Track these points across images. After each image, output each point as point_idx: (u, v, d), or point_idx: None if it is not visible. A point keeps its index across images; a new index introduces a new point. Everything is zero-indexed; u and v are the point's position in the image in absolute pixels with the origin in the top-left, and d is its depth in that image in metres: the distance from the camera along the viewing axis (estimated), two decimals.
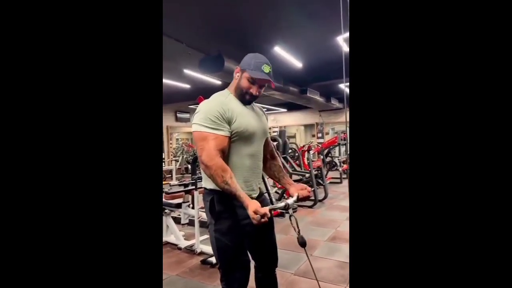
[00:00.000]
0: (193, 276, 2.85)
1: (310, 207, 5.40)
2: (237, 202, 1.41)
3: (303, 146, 7.59)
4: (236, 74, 1.52)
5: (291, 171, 6.03)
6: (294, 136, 15.23)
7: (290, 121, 14.12)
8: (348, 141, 4.97)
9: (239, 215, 1.44)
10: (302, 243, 1.37)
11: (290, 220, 1.37)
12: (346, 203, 5.73)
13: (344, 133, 8.04)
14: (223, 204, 1.43)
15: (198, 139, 1.37)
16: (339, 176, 8.13)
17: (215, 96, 1.49)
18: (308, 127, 14.70)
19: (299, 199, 1.48)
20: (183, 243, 3.56)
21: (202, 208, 3.60)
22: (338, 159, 8.65)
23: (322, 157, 7.97)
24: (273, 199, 4.81)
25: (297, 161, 7.00)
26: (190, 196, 3.98)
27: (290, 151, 7.43)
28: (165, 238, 3.75)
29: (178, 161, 10.60)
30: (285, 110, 13.40)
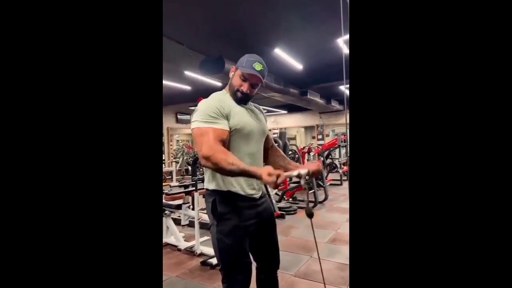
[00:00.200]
0: (193, 278, 2.85)
1: (310, 217, 5.38)
2: (240, 202, 1.41)
3: (303, 147, 7.59)
4: (230, 73, 1.54)
5: None
6: (294, 138, 15.23)
7: (290, 123, 14.12)
8: (348, 143, 4.97)
9: (242, 216, 1.44)
10: (310, 214, 1.41)
11: (305, 188, 1.41)
12: (346, 205, 5.72)
13: (344, 135, 8.04)
14: (225, 205, 1.43)
15: (197, 135, 1.36)
16: (339, 178, 8.12)
17: (213, 95, 1.50)
18: (308, 129, 14.70)
19: (311, 174, 1.44)
20: (183, 244, 3.56)
21: (202, 209, 3.61)
22: (339, 161, 8.65)
23: (322, 159, 7.96)
24: (273, 201, 4.81)
25: (298, 163, 6.99)
26: (190, 197, 3.98)
27: (290, 152, 7.42)
28: (165, 239, 3.74)
29: (178, 163, 10.61)
30: (286, 111, 13.40)
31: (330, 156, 8.84)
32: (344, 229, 4.21)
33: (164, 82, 7.32)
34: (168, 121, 11.90)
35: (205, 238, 3.72)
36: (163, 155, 11.40)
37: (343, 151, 8.88)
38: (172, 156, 11.51)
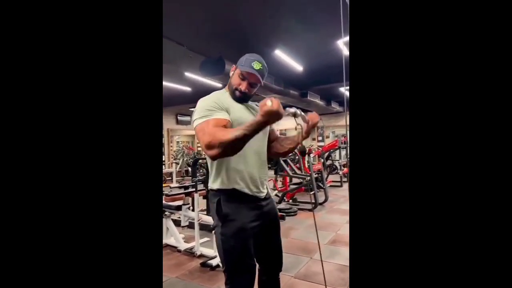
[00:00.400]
0: (192, 279, 2.85)
1: (311, 210, 5.39)
2: (245, 203, 1.41)
3: None
4: (231, 72, 1.54)
5: (291, 174, 6.03)
6: None
7: (290, 125, 14.03)
8: (348, 145, 4.97)
9: (247, 217, 1.43)
10: (302, 151, 1.41)
11: (296, 129, 1.41)
12: (346, 206, 5.72)
13: (344, 137, 8.04)
14: (230, 205, 1.42)
15: (198, 131, 1.32)
16: (339, 180, 8.12)
17: (211, 94, 1.49)
18: None
19: (310, 124, 1.46)
20: (183, 246, 3.56)
21: (202, 210, 3.61)
22: (339, 163, 8.65)
23: (322, 160, 7.96)
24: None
25: (298, 164, 6.99)
26: (190, 199, 3.98)
27: (290, 154, 7.42)
28: (165, 241, 3.74)
29: (178, 164, 10.61)
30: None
31: (330, 158, 8.84)
32: (344, 231, 4.21)
33: (164, 83, 7.33)
34: (168, 122, 11.91)
35: (205, 239, 3.72)
36: (163, 156, 11.41)
37: (343, 152, 8.89)
38: (172, 157, 11.51)
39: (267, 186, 1.60)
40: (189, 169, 9.68)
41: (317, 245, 3.58)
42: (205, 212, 3.91)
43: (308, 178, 5.68)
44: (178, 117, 12.31)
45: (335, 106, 10.83)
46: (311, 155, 6.65)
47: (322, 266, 1.56)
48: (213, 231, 1.53)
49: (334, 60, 5.83)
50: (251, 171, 1.45)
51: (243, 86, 1.46)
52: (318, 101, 9.00)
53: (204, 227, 3.60)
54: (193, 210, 3.70)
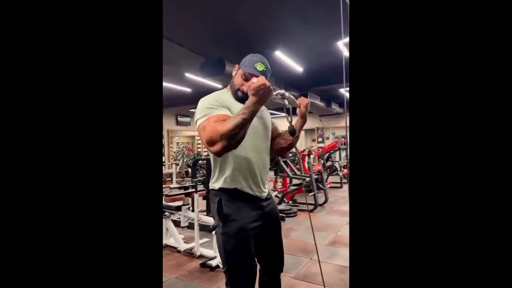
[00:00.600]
0: (192, 279, 2.85)
1: (311, 211, 5.40)
2: (246, 203, 1.42)
3: (304, 150, 7.59)
4: (233, 72, 1.53)
5: (291, 175, 6.03)
6: None
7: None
8: (348, 146, 4.97)
9: (248, 217, 1.43)
10: (292, 131, 1.43)
11: (285, 109, 1.44)
12: (346, 207, 5.72)
13: (344, 138, 8.04)
14: (231, 205, 1.42)
15: (200, 130, 1.32)
16: (339, 181, 8.12)
17: (212, 93, 1.49)
18: (308, 131, 14.71)
19: (298, 104, 1.50)
20: (183, 246, 3.56)
21: (202, 211, 3.61)
22: (339, 164, 8.65)
23: (322, 161, 7.96)
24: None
25: (298, 165, 6.99)
26: (190, 199, 3.98)
27: (290, 155, 7.42)
28: (165, 241, 3.74)
29: (178, 165, 10.61)
30: (286, 114, 13.37)
31: (330, 159, 8.84)
32: (344, 232, 4.21)
33: (164, 84, 7.33)
34: (168, 123, 11.90)
35: (205, 240, 3.72)
36: (163, 157, 11.40)
37: (343, 154, 8.90)
38: (172, 158, 11.51)
39: (268, 186, 1.60)
40: (189, 170, 9.68)
41: (317, 246, 3.59)
42: (204, 213, 3.92)
43: (308, 179, 5.68)
44: (178, 118, 12.31)
45: (335, 107, 10.82)
46: (311, 156, 6.64)
47: (320, 267, 1.56)
48: (214, 231, 1.52)
49: (334, 61, 5.83)
50: (254, 171, 1.45)
51: (245, 87, 1.44)
52: (318, 102, 9.00)
53: (204, 228, 3.60)
54: (193, 210, 3.70)
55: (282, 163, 5.87)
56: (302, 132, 16.17)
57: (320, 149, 8.81)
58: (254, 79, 1.15)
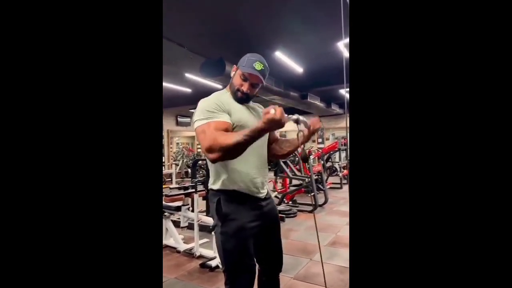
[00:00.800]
0: (191, 279, 2.84)
1: (310, 211, 5.39)
2: (245, 203, 1.41)
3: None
4: (232, 72, 1.53)
5: (291, 175, 6.03)
6: None
7: (290, 126, 14.06)
8: (348, 147, 4.97)
9: (246, 217, 1.43)
10: (304, 157, 1.42)
11: (298, 135, 1.42)
12: (346, 208, 5.72)
13: (344, 139, 8.05)
14: (230, 205, 1.42)
15: (199, 133, 1.33)
16: (339, 182, 8.12)
17: (212, 94, 1.49)
18: None
19: (308, 126, 1.44)
20: (182, 246, 3.55)
21: (201, 211, 3.60)
22: (339, 165, 8.65)
23: (322, 162, 7.96)
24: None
25: (297, 166, 7.00)
26: (189, 199, 3.98)
27: (290, 156, 7.42)
28: (164, 241, 3.74)
29: (178, 165, 10.61)
30: (286, 115, 13.38)
31: (330, 160, 8.84)
32: (344, 232, 4.20)
33: (164, 84, 7.34)
34: (168, 124, 11.91)
35: (205, 240, 3.72)
36: (163, 157, 11.40)
37: (343, 154, 8.89)
38: (171, 159, 11.51)
39: (267, 186, 1.60)
40: (189, 170, 9.68)
41: (316, 247, 3.59)
42: (204, 213, 3.91)
43: (308, 179, 5.68)
44: (178, 119, 12.31)
45: (335, 108, 10.83)
46: (311, 157, 6.65)
47: (323, 267, 1.56)
48: (213, 231, 1.52)
49: (335, 62, 5.83)
50: (252, 172, 1.45)
51: (245, 87, 1.45)
52: (318, 103, 9.01)
53: (203, 228, 3.60)
54: (192, 211, 3.70)
55: (282, 163, 5.87)
56: (302, 133, 16.29)
57: (320, 150, 8.81)
58: (272, 110, 1.12)
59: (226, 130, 1.33)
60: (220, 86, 6.87)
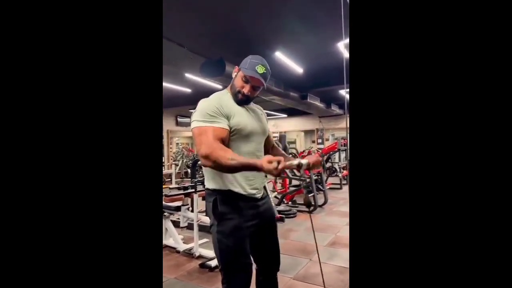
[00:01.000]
0: (191, 280, 2.84)
1: (310, 212, 5.39)
2: (241, 202, 1.41)
3: (303, 151, 7.59)
4: (233, 73, 1.53)
5: (290, 175, 6.03)
6: (294, 142, 15.23)
7: (290, 127, 14.13)
8: (348, 147, 4.96)
9: (243, 216, 1.43)
10: (308, 203, 1.40)
11: (301, 184, 1.40)
12: (345, 208, 5.72)
13: (344, 139, 8.04)
14: (226, 204, 1.42)
15: (196, 135, 1.35)
16: (339, 182, 8.12)
17: (213, 95, 1.50)
18: (308, 133, 14.71)
19: (311, 166, 1.44)
20: (182, 247, 3.55)
21: (201, 211, 3.60)
22: (338, 165, 8.65)
23: (322, 162, 7.96)
24: (273, 204, 4.80)
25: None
26: (189, 199, 3.97)
27: (290, 156, 7.41)
28: (164, 241, 3.73)
29: (177, 165, 10.60)
30: (285, 115, 13.42)
31: (330, 160, 8.84)
32: (344, 233, 4.20)
33: (164, 84, 7.33)
34: (168, 124, 11.90)
35: (204, 240, 3.72)
36: (163, 157, 11.39)
37: (342, 155, 8.89)
38: (171, 159, 11.50)
39: (266, 186, 1.60)
40: (189, 170, 9.67)
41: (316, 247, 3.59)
42: (204, 213, 3.91)
43: (308, 180, 5.67)
44: (178, 119, 12.30)
45: (334, 109, 10.83)
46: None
47: (321, 267, 1.56)
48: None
49: (335, 62, 5.83)
50: (247, 174, 1.45)
51: (246, 89, 1.46)
52: (318, 103, 9.00)
53: (203, 228, 3.60)
54: (192, 211, 3.70)
55: None
56: (302, 134, 16.00)
57: (320, 150, 8.81)
58: (274, 164, 1.14)
59: (224, 138, 1.35)
60: (220, 87, 6.87)
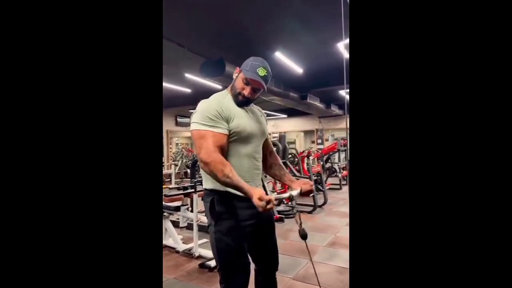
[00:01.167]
0: (190, 280, 2.84)
1: (310, 212, 5.39)
2: (238, 202, 1.40)
3: (303, 151, 7.59)
4: (234, 74, 1.53)
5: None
6: (293, 142, 15.23)
7: (290, 127, 14.13)
8: (348, 148, 4.96)
9: (240, 216, 1.43)
10: (303, 235, 1.41)
11: (294, 213, 1.43)
12: (345, 209, 5.72)
13: (344, 140, 8.05)
14: (223, 204, 1.43)
15: (196, 138, 1.37)
16: (338, 182, 8.12)
17: (213, 96, 1.50)
18: (307, 133, 14.71)
19: (302, 193, 1.48)
20: (181, 247, 3.55)
21: (200, 211, 3.60)
22: (338, 165, 8.65)
23: (321, 163, 7.96)
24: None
25: (297, 167, 6.99)
26: (189, 199, 3.97)
27: (290, 156, 7.42)
28: (163, 242, 3.73)
29: (177, 166, 10.60)
30: (285, 116, 13.42)
31: (329, 160, 8.84)
32: (343, 233, 4.20)
33: (164, 84, 7.33)
34: (167, 124, 11.89)
35: (204, 240, 3.71)
36: (162, 157, 11.39)
37: (342, 155, 8.89)
38: (171, 159, 11.50)
39: (265, 186, 1.60)
40: (188, 170, 9.67)
41: (316, 247, 3.59)
42: (203, 213, 3.90)
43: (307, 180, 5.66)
44: (178, 119, 12.29)
45: (334, 109, 10.83)
46: (310, 157, 6.65)
47: (314, 269, 1.57)
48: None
49: (334, 62, 5.83)
50: (244, 175, 1.45)
51: (247, 91, 1.46)
52: (317, 103, 9.01)
53: (202, 228, 3.59)
54: (191, 211, 3.69)
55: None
56: (302, 134, 15.98)
57: (320, 151, 8.81)
58: (263, 203, 1.21)
59: (223, 144, 1.38)
60: (219, 87, 6.87)
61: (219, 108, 1.40)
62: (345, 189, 7.84)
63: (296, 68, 6.33)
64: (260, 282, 1.65)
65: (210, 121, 1.36)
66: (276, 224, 1.71)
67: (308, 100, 8.30)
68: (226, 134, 1.39)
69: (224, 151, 1.39)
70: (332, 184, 7.97)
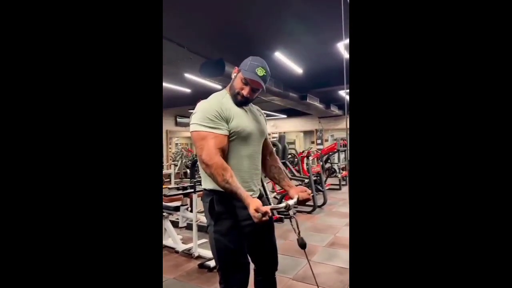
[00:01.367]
0: (190, 280, 2.84)
1: (309, 212, 5.39)
2: (237, 202, 1.40)
3: (302, 152, 7.60)
4: (233, 74, 1.53)
5: (290, 176, 6.03)
6: (293, 143, 15.24)
7: (289, 127, 14.14)
8: (348, 148, 4.96)
9: (239, 216, 1.44)
10: (302, 244, 1.41)
11: (291, 221, 1.39)
12: (345, 209, 5.72)
13: (343, 140, 8.05)
14: (222, 204, 1.43)
15: (197, 139, 1.37)
16: (338, 183, 8.12)
17: (213, 96, 1.50)
18: (307, 133, 14.71)
19: (299, 201, 1.49)
20: (181, 247, 3.55)
21: (200, 211, 3.60)
22: (338, 166, 8.65)
23: (321, 163, 7.96)
24: (272, 204, 4.79)
25: (296, 167, 6.99)
26: (188, 200, 3.97)
27: (289, 156, 7.42)
28: (163, 242, 3.73)
29: (177, 166, 10.60)
30: (285, 116, 13.42)
31: (329, 161, 8.85)
32: (343, 233, 4.20)
33: (164, 84, 7.33)
34: (167, 124, 11.89)
35: (203, 240, 3.71)
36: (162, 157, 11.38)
37: (342, 156, 8.90)
38: (170, 159, 11.50)
39: (265, 186, 1.61)
40: (188, 171, 9.67)
41: (316, 247, 3.59)
42: (203, 213, 3.90)
43: (307, 180, 5.67)
44: (177, 119, 12.29)
45: (334, 109, 10.84)
46: (310, 158, 6.65)
47: (311, 269, 1.57)
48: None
49: (334, 63, 5.83)
50: (243, 175, 1.46)
51: (245, 91, 1.46)
52: (317, 104, 9.01)
53: (202, 228, 3.59)
54: (191, 211, 3.69)
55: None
56: (301, 134, 15.97)
57: (319, 151, 8.81)
58: (259, 215, 1.22)
59: (224, 146, 1.38)
60: (219, 87, 6.86)
61: (219, 108, 1.40)
62: (345, 189, 7.85)
63: (296, 68, 6.33)
64: (260, 282, 1.65)
65: (211, 122, 1.36)
66: (276, 224, 1.71)
67: (307, 100, 8.31)
68: (226, 135, 1.39)
69: (225, 152, 1.39)
70: (331, 184, 7.97)
